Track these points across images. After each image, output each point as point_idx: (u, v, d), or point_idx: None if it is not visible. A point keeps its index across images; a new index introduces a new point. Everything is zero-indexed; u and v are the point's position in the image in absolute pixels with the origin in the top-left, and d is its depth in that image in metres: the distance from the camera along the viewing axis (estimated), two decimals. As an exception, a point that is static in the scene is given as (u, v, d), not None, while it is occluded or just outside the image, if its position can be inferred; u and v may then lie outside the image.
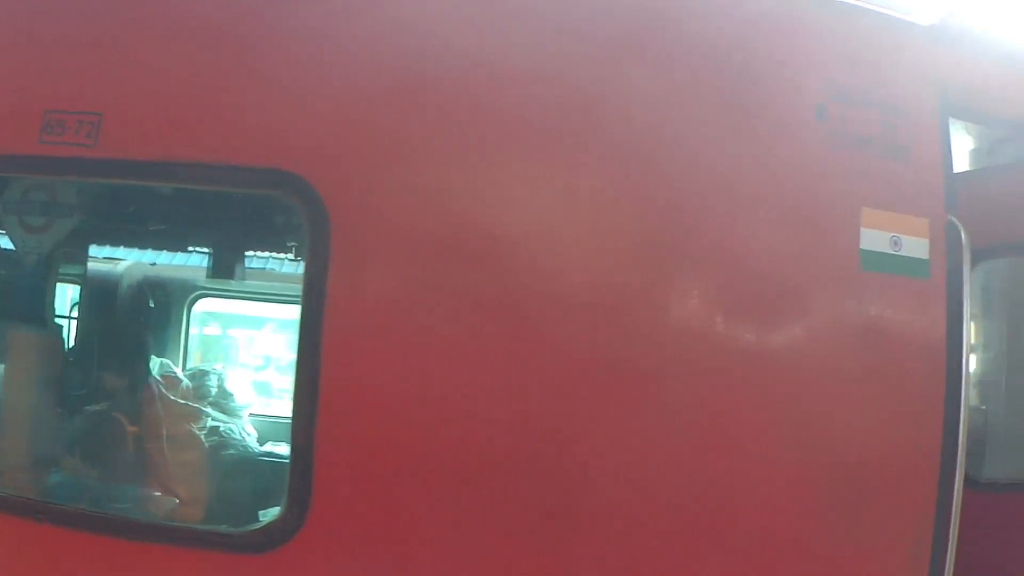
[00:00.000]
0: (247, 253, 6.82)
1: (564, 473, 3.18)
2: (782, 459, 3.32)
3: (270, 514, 3.48)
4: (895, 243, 3.45)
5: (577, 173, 3.34)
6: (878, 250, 3.41)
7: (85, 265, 6.51)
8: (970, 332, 3.61)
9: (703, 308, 3.32)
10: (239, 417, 6.73)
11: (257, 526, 3.43)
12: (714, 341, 3.30)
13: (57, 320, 5.57)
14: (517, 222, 3.28)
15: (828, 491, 3.35)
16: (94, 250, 6.70)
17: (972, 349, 5.83)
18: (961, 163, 5.77)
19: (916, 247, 3.49)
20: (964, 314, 3.56)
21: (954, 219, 3.60)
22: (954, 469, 3.50)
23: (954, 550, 3.49)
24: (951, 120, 3.81)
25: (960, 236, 3.57)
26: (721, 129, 3.40)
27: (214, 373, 6.87)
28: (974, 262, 5.34)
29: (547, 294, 3.22)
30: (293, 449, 3.17)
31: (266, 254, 7.88)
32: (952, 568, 3.50)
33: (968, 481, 5.10)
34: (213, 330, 10.04)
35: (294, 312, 3.29)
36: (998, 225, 5.21)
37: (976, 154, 5.73)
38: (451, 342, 3.19)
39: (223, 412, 6.54)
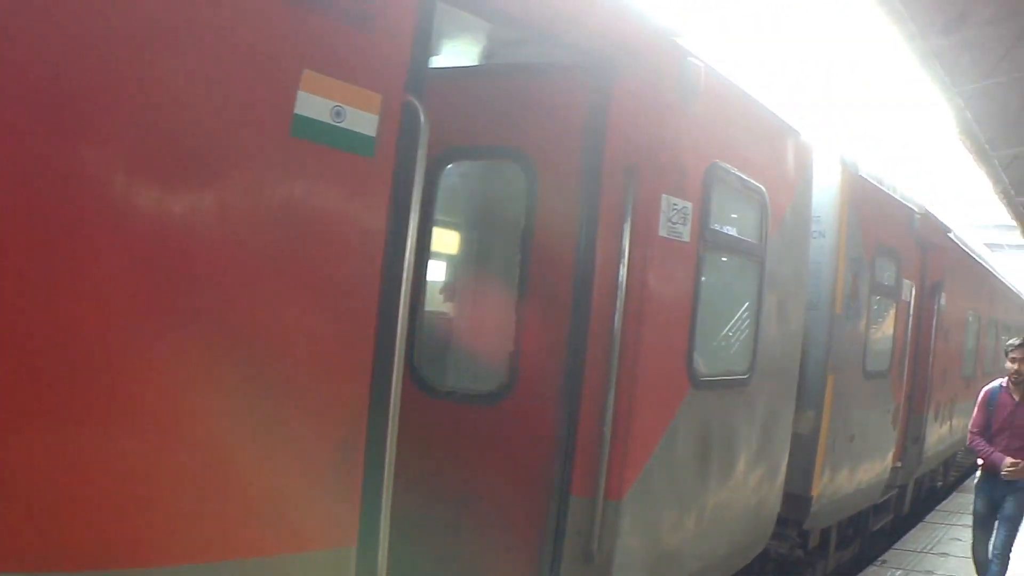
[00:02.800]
0: None
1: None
2: (188, 343, 3.11)
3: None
4: (337, 114, 3.40)
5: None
6: (315, 117, 3.34)
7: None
8: (416, 223, 3.70)
9: (97, 169, 2.97)
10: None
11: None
12: (107, 208, 2.89)
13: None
14: None
15: (255, 382, 3.28)
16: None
17: (444, 253, 6.17)
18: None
19: (361, 121, 3.50)
20: (412, 203, 3.68)
21: (414, 101, 3.67)
22: (391, 369, 3.62)
23: (393, 454, 3.65)
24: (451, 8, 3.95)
25: (419, 120, 3.65)
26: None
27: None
28: (447, 160, 5.68)
29: None
30: None
31: None
32: (391, 472, 3.66)
33: (427, 387, 5.47)
34: None
35: None
36: (478, 125, 5.56)
37: (484, 56, 5.93)
38: None
39: None
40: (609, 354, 4.92)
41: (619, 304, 4.91)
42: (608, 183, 5.02)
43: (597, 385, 4.96)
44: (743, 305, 6.53)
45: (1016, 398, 8.83)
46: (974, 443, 9.10)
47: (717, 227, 5.83)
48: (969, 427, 9.28)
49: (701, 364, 5.71)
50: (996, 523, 8.95)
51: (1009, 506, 8.80)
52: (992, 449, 8.79)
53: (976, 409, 9.15)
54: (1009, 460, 8.56)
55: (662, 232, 5.20)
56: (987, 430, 8.97)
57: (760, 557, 8.44)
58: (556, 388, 5.12)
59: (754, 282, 6.48)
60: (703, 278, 5.69)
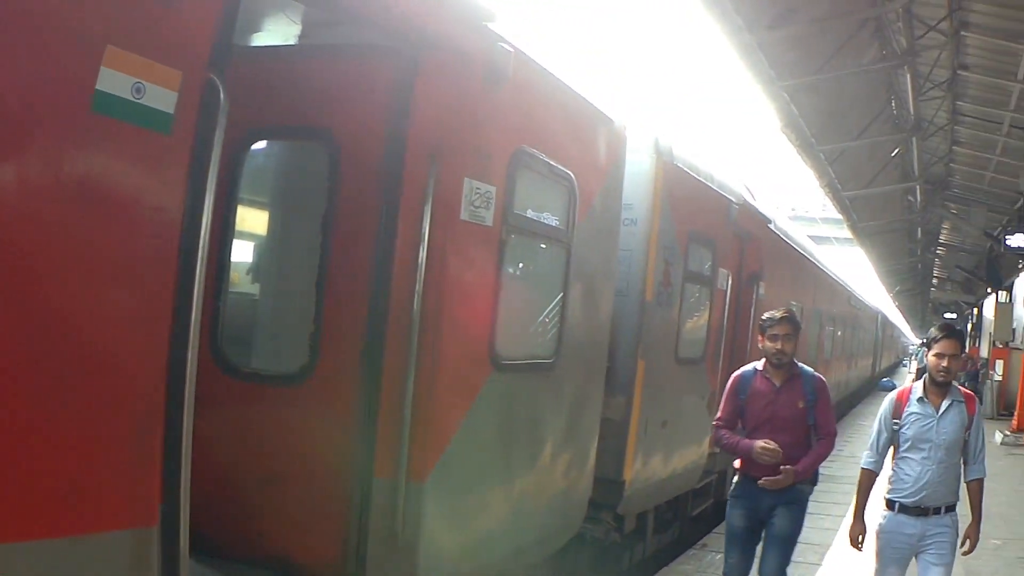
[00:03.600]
0: None
1: None
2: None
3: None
4: (137, 90, 3.49)
5: None
6: (116, 93, 3.42)
7: None
8: (212, 203, 3.83)
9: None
10: None
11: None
12: None
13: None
14: None
15: (46, 361, 3.34)
16: None
17: (250, 234, 6.21)
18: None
19: (160, 98, 3.58)
20: (209, 182, 3.80)
21: (216, 79, 3.78)
22: (185, 350, 3.75)
23: (190, 434, 3.79)
24: None
25: (219, 98, 3.77)
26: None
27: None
28: (254, 139, 5.80)
29: None
30: None
31: None
32: (189, 452, 3.79)
33: (231, 369, 5.57)
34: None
35: None
36: (286, 105, 5.67)
37: (301, 36, 6.04)
38: None
39: None
40: (408, 336, 5.11)
41: (418, 287, 5.11)
42: (411, 165, 5.22)
43: (397, 367, 5.15)
44: (549, 290, 6.76)
45: (777, 383, 7.03)
46: (718, 436, 7.34)
47: (522, 212, 6.06)
48: (713, 422, 7.53)
49: (504, 347, 5.93)
50: (763, 544, 7.19)
51: (781, 522, 7.05)
52: (738, 438, 7.07)
53: (724, 400, 7.33)
54: (760, 443, 6.83)
55: (464, 215, 5.42)
56: (740, 427, 7.21)
57: (576, 541, 8.73)
58: (356, 370, 5.29)
59: (560, 267, 6.72)
60: (506, 262, 5.92)
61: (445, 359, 5.41)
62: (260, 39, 5.98)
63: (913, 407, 6.51)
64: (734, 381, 7.29)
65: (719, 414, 7.33)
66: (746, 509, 7.14)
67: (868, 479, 6.81)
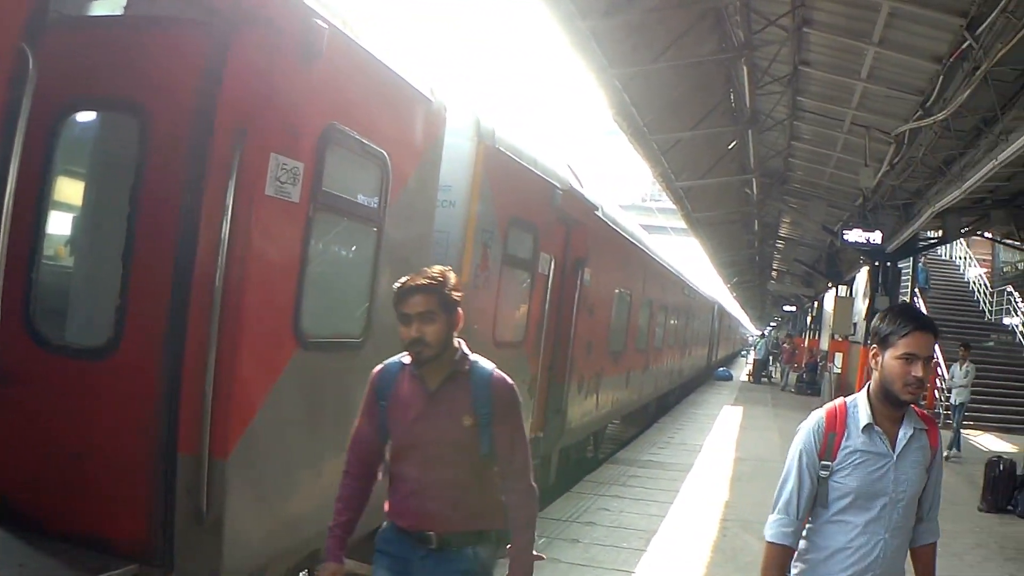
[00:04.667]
0: None
1: None
2: None
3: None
4: None
5: None
6: None
7: None
8: (16, 173, 3.91)
9: None
10: None
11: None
12: None
13: None
14: None
15: None
16: None
17: (65, 204, 6.18)
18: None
19: None
20: (13, 152, 3.88)
21: (26, 48, 3.86)
22: None
23: None
24: None
25: (28, 68, 3.85)
26: None
27: None
28: (72, 109, 5.82)
29: None
30: None
31: None
32: None
33: (43, 341, 5.60)
34: None
35: None
36: (103, 76, 5.67)
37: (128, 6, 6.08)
38: None
39: None
40: (211, 312, 5.23)
41: (221, 262, 5.23)
42: (218, 139, 5.33)
43: (199, 342, 5.27)
44: (358, 269, 6.90)
45: (432, 387, 4.56)
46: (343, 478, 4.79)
47: (331, 189, 6.18)
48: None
49: (310, 325, 6.06)
50: None
51: None
52: (339, 511, 4.70)
53: (361, 409, 4.81)
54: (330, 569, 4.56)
55: (269, 191, 5.53)
56: (377, 451, 4.75)
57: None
58: (160, 344, 5.38)
59: (371, 247, 6.86)
60: (313, 240, 6.04)
61: (247, 335, 5.52)
62: (94, 9, 5.99)
63: (854, 440, 4.17)
64: (373, 379, 4.78)
65: (352, 431, 4.88)
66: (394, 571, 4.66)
67: (780, 559, 4.27)
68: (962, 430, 22.32)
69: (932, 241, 29.75)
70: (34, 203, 5.51)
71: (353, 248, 6.95)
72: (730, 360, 72.35)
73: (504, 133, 9.62)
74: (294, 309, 5.94)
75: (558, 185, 11.67)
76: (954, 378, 22.40)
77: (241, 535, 5.59)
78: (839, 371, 34.37)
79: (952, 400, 22.74)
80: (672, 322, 27.89)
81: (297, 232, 5.89)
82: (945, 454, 19.09)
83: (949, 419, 23.35)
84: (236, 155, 5.28)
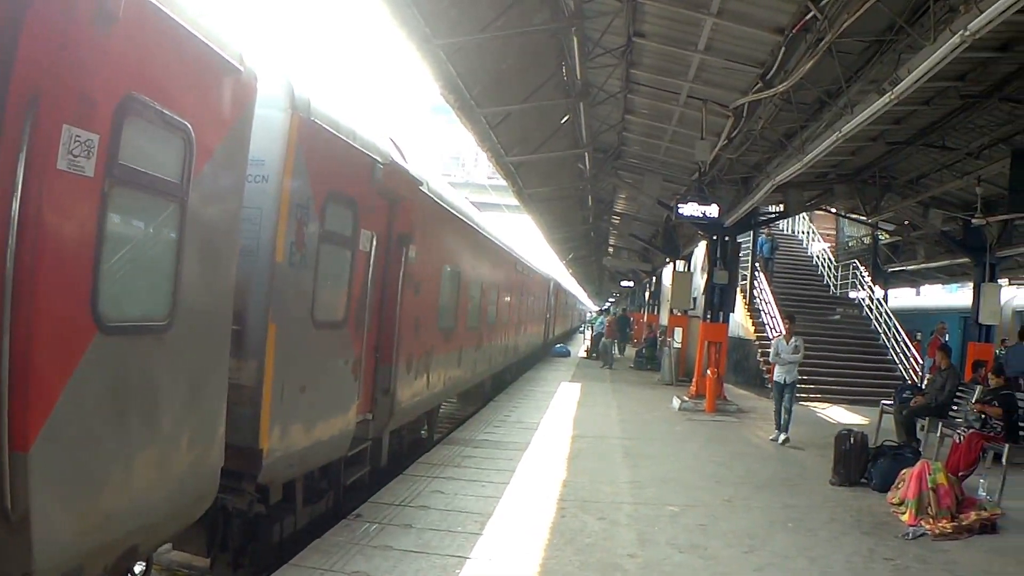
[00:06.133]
0: None
1: None
2: None
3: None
4: None
5: None
6: None
7: None
8: None
9: None
10: None
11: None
12: None
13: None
14: None
15: None
16: None
17: None
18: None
19: None
20: None
21: None
22: None
23: None
24: None
25: None
26: None
27: None
28: None
29: None
30: None
31: None
32: None
33: None
34: None
35: None
36: None
37: None
38: None
39: None
40: (2, 296, 5.08)
41: (11, 242, 5.08)
42: (10, 110, 5.12)
43: None
44: (161, 247, 6.75)
45: None
46: None
47: (129, 163, 6.04)
48: None
49: (109, 308, 5.94)
50: None
51: None
52: None
53: None
54: None
55: (61, 165, 5.38)
56: None
57: (221, 514, 8.94)
58: None
59: (174, 224, 6.75)
60: (111, 216, 5.91)
61: (41, 319, 5.38)
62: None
63: None
64: None
65: None
66: None
67: None
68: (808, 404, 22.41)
69: (772, 215, 30.68)
70: None
71: (155, 225, 6.72)
72: (568, 336, 73.43)
73: (321, 104, 9.57)
74: (91, 291, 5.79)
75: (379, 159, 11.66)
76: (780, 354, 20.52)
77: (51, 532, 5.47)
78: (679, 346, 35.25)
79: (777, 378, 20.68)
80: (506, 299, 28.18)
81: (92, 209, 5.74)
82: (781, 439, 19.80)
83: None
84: (27, 127, 5.12)
